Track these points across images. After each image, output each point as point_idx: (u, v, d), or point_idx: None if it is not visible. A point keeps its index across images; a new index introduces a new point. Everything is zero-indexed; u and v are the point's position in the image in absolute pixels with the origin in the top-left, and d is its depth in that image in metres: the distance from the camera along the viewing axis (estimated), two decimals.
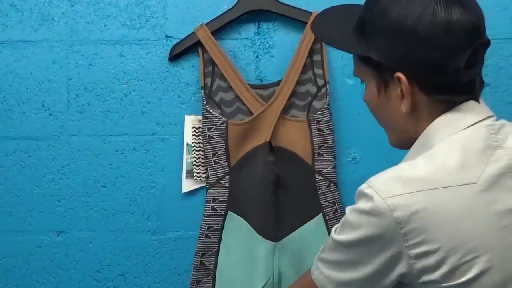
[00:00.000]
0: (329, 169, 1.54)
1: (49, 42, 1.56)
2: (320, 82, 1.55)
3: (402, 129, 1.09)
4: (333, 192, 1.54)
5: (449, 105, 1.05)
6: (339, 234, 1.05)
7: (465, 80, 1.02)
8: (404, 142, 1.12)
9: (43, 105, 1.57)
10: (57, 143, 1.58)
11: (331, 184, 1.54)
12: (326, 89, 1.54)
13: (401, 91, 1.04)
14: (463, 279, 0.99)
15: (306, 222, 1.54)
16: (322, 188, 1.54)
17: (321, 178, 1.54)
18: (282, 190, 1.52)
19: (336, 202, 1.54)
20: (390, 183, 1.00)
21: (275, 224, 1.51)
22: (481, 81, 1.07)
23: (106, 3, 1.56)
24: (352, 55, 1.12)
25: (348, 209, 1.05)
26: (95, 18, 1.56)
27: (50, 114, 1.57)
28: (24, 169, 1.58)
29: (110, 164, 1.58)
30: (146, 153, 1.58)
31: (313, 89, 1.55)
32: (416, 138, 1.07)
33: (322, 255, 1.10)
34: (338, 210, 1.54)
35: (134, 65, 1.57)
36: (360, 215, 1.02)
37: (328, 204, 1.54)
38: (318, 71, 1.55)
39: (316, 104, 1.55)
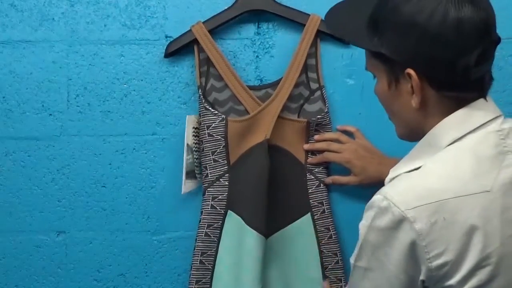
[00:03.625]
0: (320, 169, 1.55)
1: (49, 42, 1.56)
2: (314, 86, 1.55)
3: (410, 123, 1.10)
4: (322, 192, 1.54)
5: (459, 102, 1.05)
6: (361, 260, 1.05)
7: (475, 77, 1.02)
8: (411, 135, 1.12)
9: (43, 105, 1.57)
10: (57, 143, 1.58)
11: (321, 184, 1.54)
12: (322, 93, 1.54)
13: (411, 86, 1.04)
14: (475, 283, 1.00)
15: (295, 220, 1.54)
16: (312, 188, 1.54)
17: (312, 177, 1.55)
18: (274, 186, 1.52)
19: (324, 202, 1.54)
20: (407, 194, 1.01)
21: (269, 223, 1.50)
22: (490, 77, 1.07)
23: (106, 3, 1.56)
24: (362, 49, 1.12)
25: (364, 228, 1.04)
26: (95, 18, 1.56)
27: (50, 114, 1.57)
28: (24, 169, 1.58)
29: (110, 164, 1.58)
30: (146, 153, 1.58)
31: (306, 93, 1.55)
32: (424, 132, 1.08)
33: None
34: (326, 211, 1.54)
35: (134, 65, 1.57)
36: (380, 232, 1.01)
37: (316, 204, 1.54)
38: (312, 74, 1.55)
39: (308, 107, 1.55)
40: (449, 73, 1.02)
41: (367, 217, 1.04)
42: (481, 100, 1.06)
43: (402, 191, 1.01)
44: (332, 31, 1.15)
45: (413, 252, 1.00)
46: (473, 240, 0.99)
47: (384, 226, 1.01)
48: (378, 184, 1.24)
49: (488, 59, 1.04)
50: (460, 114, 1.05)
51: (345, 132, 1.55)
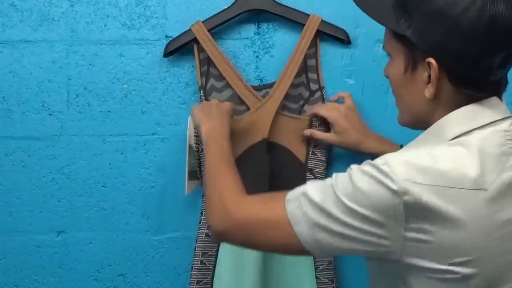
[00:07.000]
0: (321, 169, 1.54)
1: (49, 42, 1.56)
2: (314, 86, 1.55)
3: (417, 112, 1.09)
4: None
5: (472, 99, 1.04)
6: (344, 196, 1.02)
7: (493, 79, 1.02)
8: (415, 123, 1.11)
9: (43, 105, 1.57)
10: (57, 143, 1.58)
11: None
12: (322, 94, 1.54)
13: (429, 76, 1.03)
14: (449, 277, 0.99)
15: None
16: None
17: (312, 176, 1.54)
18: (272, 184, 1.52)
19: None
20: (407, 167, 0.99)
21: None
22: (506, 81, 1.07)
23: (106, 3, 1.56)
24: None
25: (358, 171, 1.02)
26: (95, 18, 1.56)
27: (50, 114, 1.57)
28: (24, 169, 1.58)
29: (110, 164, 1.58)
30: (146, 153, 1.58)
31: (306, 93, 1.55)
32: (429, 123, 1.07)
33: (312, 195, 1.05)
34: None
35: (134, 65, 1.57)
36: (368, 183, 1.00)
37: None
38: (312, 75, 1.55)
39: (308, 108, 1.54)
40: (470, 70, 1.01)
41: (363, 166, 1.02)
42: (494, 98, 1.05)
43: (404, 162, 1.00)
44: (358, 6, 1.12)
45: (392, 215, 0.98)
46: (459, 233, 0.98)
47: (374, 183, 0.99)
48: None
49: (509, 63, 1.03)
50: (470, 109, 1.04)
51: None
